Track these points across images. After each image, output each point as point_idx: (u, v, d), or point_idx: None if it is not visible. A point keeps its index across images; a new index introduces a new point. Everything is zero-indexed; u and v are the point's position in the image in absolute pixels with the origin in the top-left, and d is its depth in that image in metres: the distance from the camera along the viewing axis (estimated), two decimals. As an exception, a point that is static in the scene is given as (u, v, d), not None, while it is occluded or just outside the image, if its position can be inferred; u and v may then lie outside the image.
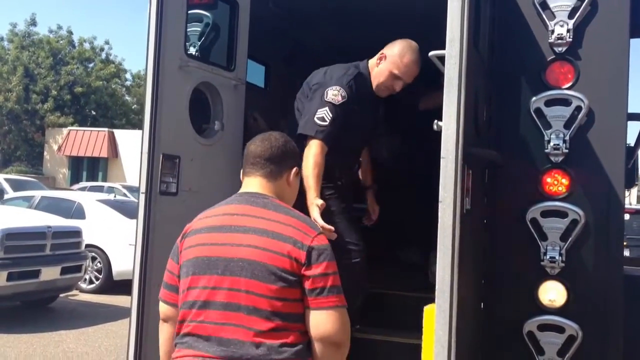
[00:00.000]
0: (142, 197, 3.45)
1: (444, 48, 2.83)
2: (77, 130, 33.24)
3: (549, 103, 3.42)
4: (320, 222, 3.15)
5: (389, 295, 4.38)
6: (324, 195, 3.49)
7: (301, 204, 2.86)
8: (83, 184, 25.47)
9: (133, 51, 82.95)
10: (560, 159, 3.40)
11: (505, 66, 3.60)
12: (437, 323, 2.75)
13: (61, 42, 37.26)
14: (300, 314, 2.06)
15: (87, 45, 38.19)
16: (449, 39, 2.82)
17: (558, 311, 3.35)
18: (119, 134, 32.86)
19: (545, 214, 3.39)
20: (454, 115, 2.79)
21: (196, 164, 3.76)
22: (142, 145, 3.47)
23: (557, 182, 3.42)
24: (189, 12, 3.82)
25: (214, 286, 2.07)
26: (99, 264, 10.54)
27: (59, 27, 38.03)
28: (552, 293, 3.37)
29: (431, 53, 3.00)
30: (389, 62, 3.71)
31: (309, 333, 2.06)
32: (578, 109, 3.37)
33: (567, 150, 3.38)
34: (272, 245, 2.06)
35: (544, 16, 3.45)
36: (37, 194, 12.57)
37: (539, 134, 3.44)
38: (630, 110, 3.50)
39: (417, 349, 3.14)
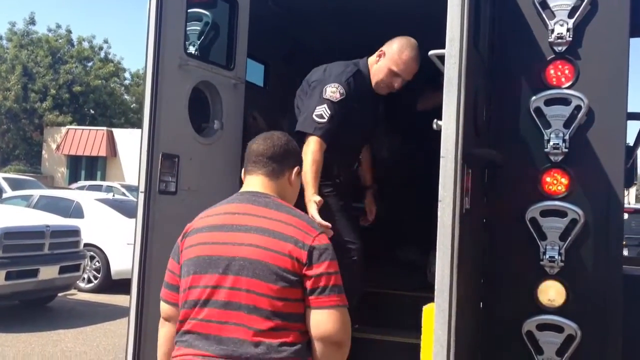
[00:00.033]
0: (141, 196, 3.45)
1: (443, 47, 2.83)
2: (75, 129, 33.20)
3: (549, 102, 3.42)
4: (318, 219, 3.15)
5: (388, 295, 4.38)
6: (323, 192, 3.49)
7: (300, 202, 2.86)
8: (81, 183, 25.44)
9: (132, 50, 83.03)
10: (560, 158, 3.40)
11: (505, 65, 3.59)
12: (436, 322, 2.75)
13: (60, 41, 37.21)
14: (300, 313, 2.06)
15: (86, 44, 38.16)
16: (448, 39, 2.82)
17: (557, 311, 3.35)
18: (117, 133, 32.82)
19: (545, 213, 3.38)
20: (453, 114, 2.79)
21: (195, 163, 3.76)
22: (142, 144, 3.47)
23: (556, 182, 3.41)
24: (189, 10, 3.81)
25: (215, 285, 2.07)
26: (97, 263, 10.53)
27: (58, 26, 38.03)
28: (551, 292, 3.37)
29: (431, 52, 2.99)
30: (388, 59, 3.71)
31: (310, 332, 2.06)
32: (578, 108, 3.37)
33: (566, 150, 3.37)
34: (273, 244, 2.05)
35: (543, 15, 3.45)
36: (36, 193, 12.57)
37: (539, 133, 3.43)
38: (629, 110, 3.50)
39: (416, 349, 3.14)
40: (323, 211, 3.32)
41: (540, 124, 3.43)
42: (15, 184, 17.43)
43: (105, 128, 33.05)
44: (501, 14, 3.61)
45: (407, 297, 4.21)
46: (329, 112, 3.54)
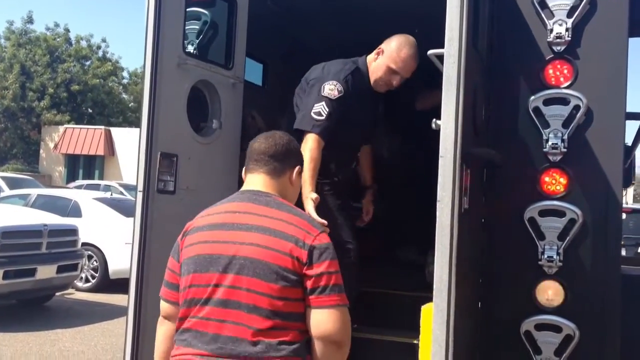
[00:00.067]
0: (140, 195, 3.44)
1: (442, 47, 2.83)
2: (73, 128, 33.14)
3: (548, 102, 3.42)
4: (315, 216, 3.15)
5: (386, 295, 4.38)
6: (320, 191, 3.48)
7: (297, 200, 2.85)
8: (79, 182, 25.38)
9: (130, 49, 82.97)
10: (559, 158, 3.40)
11: (504, 65, 3.59)
12: (434, 322, 2.75)
13: (58, 39, 37.15)
14: (300, 313, 2.05)
15: (84, 43, 38.10)
16: (447, 38, 2.82)
17: (555, 311, 3.35)
18: (115, 132, 32.77)
19: (543, 213, 3.39)
20: (452, 114, 2.79)
21: (194, 162, 3.75)
22: (140, 143, 3.46)
23: (555, 182, 3.42)
24: (187, 9, 3.81)
25: (215, 284, 2.07)
26: (95, 263, 10.52)
27: (56, 25, 37.98)
28: (550, 292, 3.37)
29: (430, 52, 2.99)
30: (386, 56, 3.71)
31: (310, 332, 2.06)
32: (576, 108, 3.37)
33: (565, 150, 3.37)
34: (274, 243, 2.05)
35: (542, 15, 3.45)
36: (34, 192, 12.54)
37: (537, 133, 3.43)
38: (628, 110, 3.50)
39: (414, 349, 3.14)
40: (319, 209, 3.32)
41: (539, 124, 3.43)
42: (12, 183, 17.41)
43: (103, 127, 33.00)
44: (500, 13, 3.61)
45: (406, 297, 4.21)
46: (327, 110, 3.54)
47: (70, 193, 12.78)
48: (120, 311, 8.35)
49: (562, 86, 3.42)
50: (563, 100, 3.40)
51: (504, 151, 3.46)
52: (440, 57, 2.87)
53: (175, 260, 2.22)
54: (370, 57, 3.80)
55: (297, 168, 2.31)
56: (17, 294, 8.34)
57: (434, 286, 2.76)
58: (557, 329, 3.33)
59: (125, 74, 41.06)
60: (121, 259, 9.69)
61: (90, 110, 37.42)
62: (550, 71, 3.45)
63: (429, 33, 3.15)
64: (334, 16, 4.79)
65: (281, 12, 4.81)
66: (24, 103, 34.89)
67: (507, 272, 3.50)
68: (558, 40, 3.42)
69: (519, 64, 3.54)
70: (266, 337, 2.01)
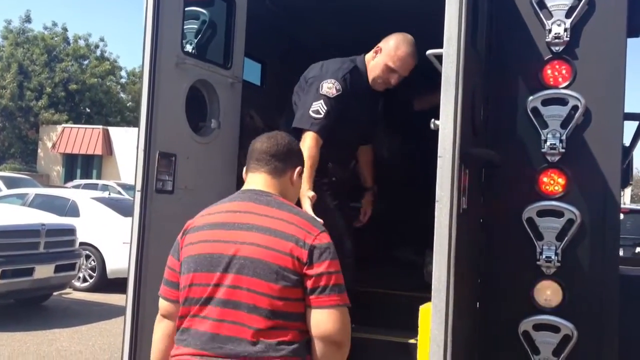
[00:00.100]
0: (138, 195, 3.44)
1: (441, 46, 2.83)
2: (71, 127, 33.09)
3: (546, 102, 3.42)
4: (311, 214, 3.15)
5: (385, 295, 4.38)
6: (317, 189, 3.48)
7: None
8: (77, 181, 25.33)
9: (128, 48, 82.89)
10: (557, 158, 3.40)
11: (502, 65, 3.59)
12: (433, 322, 2.75)
13: (56, 39, 37.09)
14: (300, 312, 2.05)
15: (82, 43, 38.03)
16: (446, 38, 2.82)
17: (553, 311, 3.35)
18: (113, 131, 32.73)
19: (542, 213, 3.39)
20: (451, 114, 2.79)
21: (192, 162, 3.75)
22: (138, 142, 3.45)
23: (553, 182, 3.42)
24: (186, 9, 3.80)
25: (215, 283, 2.07)
26: (93, 262, 10.50)
27: (54, 24, 37.90)
28: (548, 293, 3.38)
29: (429, 52, 2.99)
30: (384, 54, 3.72)
31: (310, 332, 2.06)
32: (575, 108, 3.37)
33: (563, 150, 3.38)
34: (274, 243, 2.05)
35: (541, 15, 3.45)
36: (31, 191, 12.52)
37: (536, 133, 3.44)
38: (626, 110, 3.50)
39: (413, 349, 3.14)
40: (316, 208, 3.31)
41: (538, 124, 3.43)
42: (10, 183, 17.39)
43: (101, 126, 32.97)
44: (498, 13, 3.61)
45: (404, 297, 4.21)
46: (325, 108, 3.55)
47: (68, 193, 12.76)
48: (118, 311, 8.35)
49: (561, 86, 3.42)
50: (561, 101, 3.40)
51: (503, 151, 3.46)
52: (439, 57, 2.87)
53: (175, 258, 2.22)
54: (368, 56, 3.81)
55: (298, 168, 2.32)
56: (15, 294, 8.32)
57: (433, 286, 2.76)
58: (555, 329, 3.33)
59: (123, 73, 41.07)
60: (119, 258, 9.68)
61: (88, 110, 37.36)
62: (549, 71, 3.45)
63: (428, 32, 3.14)
64: (333, 16, 4.79)
65: (279, 12, 4.80)
66: (21, 102, 34.82)
67: (505, 272, 3.50)
68: (556, 40, 3.42)
69: (517, 64, 3.54)
70: (266, 337, 2.01)
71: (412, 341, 3.45)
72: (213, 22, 4.27)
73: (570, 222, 3.34)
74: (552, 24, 3.42)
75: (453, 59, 2.80)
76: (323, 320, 2.03)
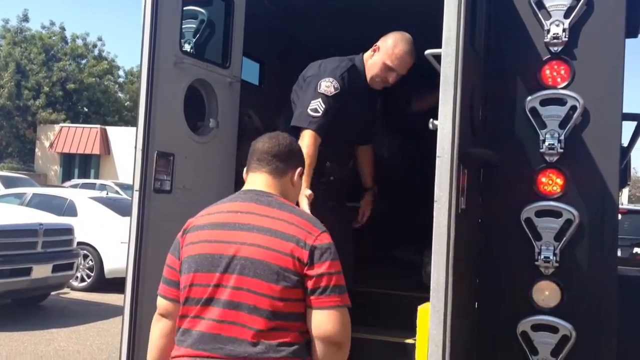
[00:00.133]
0: (136, 194, 3.43)
1: (440, 46, 2.83)
2: (69, 127, 33.05)
3: (544, 102, 3.42)
4: (308, 212, 3.14)
5: (383, 295, 4.38)
6: (315, 189, 3.47)
7: None
8: (75, 181, 25.31)
9: (126, 48, 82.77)
10: (555, 158, 3.40)
11: (501, 65, 3.59)
12: (431, 322, 2.75)
13: (54, 38, 37.03)
14: (300, 313, 2.05)
15: (79, 42, 37.97)
16: (445, 38, 2.82)
17: (552, 311, 3.35)
18: (111, 131, 32.70)
19: (540, 213, 3.39)
20: (449, 114, 2.79)
21: (190, 161, 3.74)
22: (136, 142, 3.45)
23: (551, 182, 3.42)
24: (184, 8, 3.80)
25: (216, 284, 2.06)
26: (90, 262, 10.48)
27: (52, 23, 37.85)
28: (546, 293, 3.38)
29: (427, 52, 2.99)
30: (382, 53, 3.73)
31: (310, 332, 2.06)
32: (573, 108, 3.37)
33: (562, 150, 3.38)
34: (275, 244, 2.05)
35: (539, 15, 3.45)
36: (29, 191, 12.50)
37: (534, 133, 3.44)
38: (625, 110, 3.50)
39: (411, 349, 3.14)
40: (314, 208, 3.31)
41: (536, 124, 3.43)
42: (8, 182, 17.36)
43: (98, 126, 32.93)
44: (497, 13, 3.61)
45: (403, 297, 4.21)
46: (324, 107, 3.56)
47: (65, 192, 12.74)
48: (116, 311, 8.33)
49: (559, 87, 3.42)
50: (560, 101, 3.40)
51: (501, 151, 3.46)
52: (438, 57, 2.87)
53: (175, 257, 2.21)
54: (366, 55, 3.82)
55: (299, 169, 2.32)
56: (12, 293, 8.29)
57: (431, 286, 2.76)
58: (553, 329, 3.33)
59: (121, 72, 41.03)
60: (117, 258, 9.67)
61: (86, 109, 37.31)
62: (547, 72, 3.45)
63: (427, 32, 3.14)
64: (331, 15, 4.78)
65: (278, 11, 4.80)
66: (19, 102, 34.77)
67: (503, 272, 3.51)
68: (555, 40, 3.42)
69: (516, 64, 3.54)
70: (266, 338, 2.00)
71: (410, 341, 3.45)
72: (211, 22, 4.27)
73: (569, 222, 3.34)
74: (550, 24, 3.42)
75: (452, 59, 2.80)
76: (323, 321, 2.03)
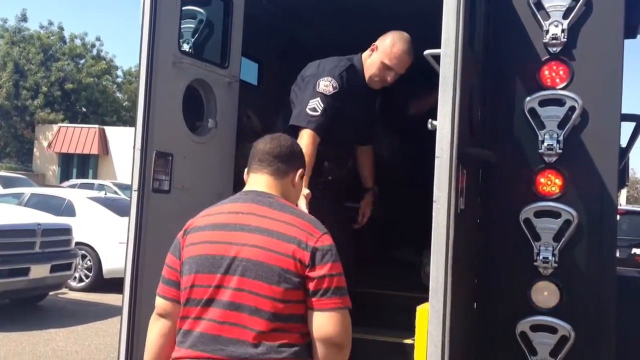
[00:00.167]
0: (135, 194, 3.43)
1: (439, 47, 2.83)
2: (67, 127, 33.02)
3: (543, 103, 3.42)
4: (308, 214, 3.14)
5: (382, 295, 4.37)
6: (313, 189, 3.47)
7: None
8: (73, 181, 25.27)
9: (124, 48, 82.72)
10: (554, 159, 3.40)
11: (500, 66, 3.60)
12: (430, 323, 2.75)
13: (52, 38, 37.00)
14: (301, 315, 2.05)
15: (78, 42, 37.93)
16: (444, 38, 2.82)
17: (551, 311, 3.35)
18: (109, 130, 32.68)
19: (539, 214, 3.39)
20: (448, 114, 2.79)
21: (189, 161, 3.74)
22: (135, 142, 3.44)
23: (550, 183, 3.42)
24: (183, 8, 3.79)
25: (217, 285, 2.06)
26: (89, 262, 10.47)
27: (50, 23, 37.83)
28: (545, 293, 3.38)
29: (426, 52, 2.99)
30: (381, 52, 3.73)
31: (311, 334, 2.05)
32: (572, 109, 3.37)
33: (560, 151, 3.38)
34: (276, 245, 2.04)
35: (538, 16, 3.46)
36: (27, 191, 12.48)
37: (533, 134, 3.44)
38: (624, 111, 3.50)
39: (410, 349, 3.14)
40: (312, 208, 3.30)
41: (535, 125, 3.43)
42: (6, 182, 17.33)
43: (97, 126, 32.90)
44: (496, 14, 3.61)
45: (402, 297, 4.21)
46: (322, 106, 3.56)
47: (64, 192, 12.72)
48: (114, 311, 8.31)
49: (558, 87, 3.43)
50: (559, 102, 3.40)
51: (500, 152, 3.46)
52: (437, 58, 2.86)
53: (175, 257, 2.20)
54: (365, 54, 3.82)
55: (299, 171, 2.32)
56: (11, 294, 8.28)
57: (430, 287, 2.76)
58: (552, 330, 3.33)
59: (119, 72, 41.00)
60: (115, 258, 9.66)
61: (84, 109, 37.28)
62: (546, 72, 3.45)
63: (426, 33, 3.14)
64: (330, 15, 4.78)
65: (277, 11, 4.80)
66: (17, 101, 34.73)
67: (502, 272, 3.51)
68: (554, 41, 3.42)
69: (515, 64, 3.54)
70: (267, 340, 2.00)
71: (409, 341, 3.44)
72: (210, 21, 4.27)
73: (568, 222, 3.34)
74: (549, 24, 3.43)
75: (451, 59, 2.80)
76: (324, 322, 2.03)
